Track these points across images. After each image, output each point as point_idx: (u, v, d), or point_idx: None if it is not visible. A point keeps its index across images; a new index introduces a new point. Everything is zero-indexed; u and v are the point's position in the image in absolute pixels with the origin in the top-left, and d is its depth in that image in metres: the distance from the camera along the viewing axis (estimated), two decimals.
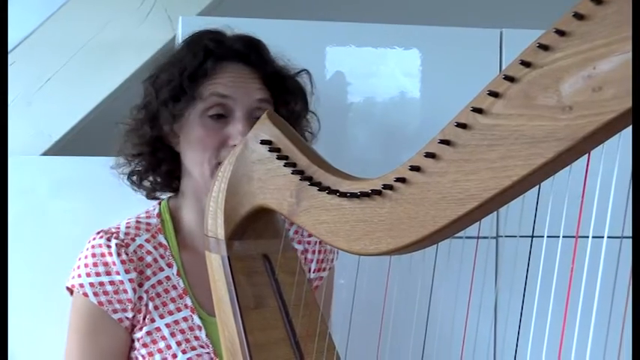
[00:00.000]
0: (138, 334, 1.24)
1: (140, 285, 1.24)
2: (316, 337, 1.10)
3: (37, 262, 1.58)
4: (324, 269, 1.44)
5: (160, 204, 1.36)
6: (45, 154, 1.69)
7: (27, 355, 1.58)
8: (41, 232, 1.59)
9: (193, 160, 1.26)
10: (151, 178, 1.36)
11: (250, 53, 1.29)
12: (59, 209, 1.60)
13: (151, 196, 1.38)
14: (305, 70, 1.38)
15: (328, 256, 1.44)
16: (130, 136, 1.31)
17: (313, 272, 1.41)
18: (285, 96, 1.32)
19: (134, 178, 1.36)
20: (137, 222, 1.31)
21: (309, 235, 1.41)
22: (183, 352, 1.23)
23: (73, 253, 1.28)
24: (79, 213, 1.59)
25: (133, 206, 1.38)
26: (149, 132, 1.29)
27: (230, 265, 1.09)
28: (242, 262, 1.11)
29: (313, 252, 1.42)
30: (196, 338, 1.25)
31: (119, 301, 1.22)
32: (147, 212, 1.35)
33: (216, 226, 1.10)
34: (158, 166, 1.33)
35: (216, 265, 1.11)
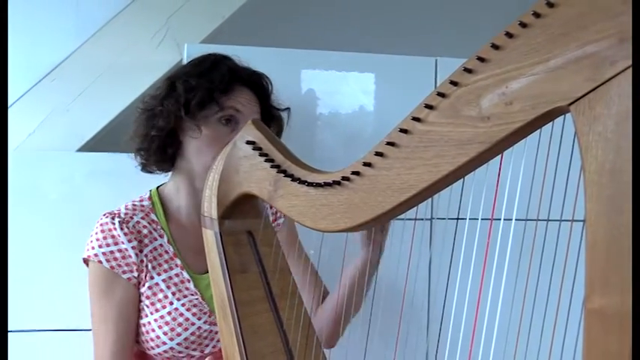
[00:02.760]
0: (142, 290, 1.25)
1: (140, 251, 1.25)
2: (288, 295, 1.09)
3: (72, 237, 1.54)
4: (280, 217, 1.44)
5: (150, 191, 1.36)
6: (79, 150, 1.66)
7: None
8: (77, 212, 1.56)
9: (200, 150, 1.26)
10: (152, 157, 1.31)
11: (260, 88, 1.34)
12: (90, 193, 1.58)
13: (144, 169, 1.35)
14: (288, 108, 1.41)
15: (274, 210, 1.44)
16: (158, 116, 1.27)
17: (273, 222, 1.39)
18: (270, 124, 1.36)
19: (142, 153, 1.32)
20: (133, 205, 1.31)
21: None
22: (178, 299, 1.24)
23: None
24: (106, 197, 1.57)
25: (146, 189, 1.36)
26: (173, 120, 1.26)
27: (221, 238, 1.08)
28: (231, 236, 1.10)
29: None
30: (187, 288, 1.26)
31: (126, 264, 1.23)
32: (140, 198, 1.34)
33: (210, 208, 1.08)
34: (165, 147, 1.29)
35: (210, 238, 1.10)
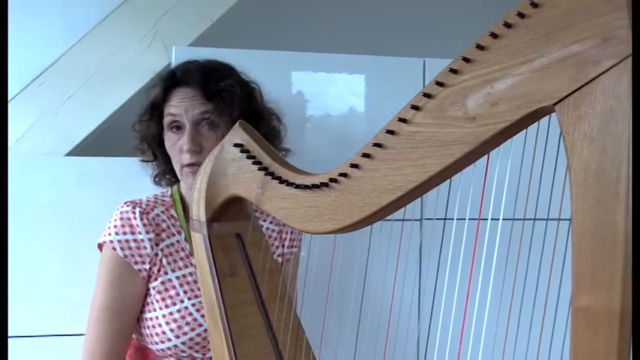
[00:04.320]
0: (153, 284, 1.24)
1: (157, 244, 1.25)
2: (277, 298, 1.09)
3: (63, 241, 1.54)
4: (295, 246, 1.44)
5: (172, 188, 1.37)
6: (68, 154, 1.66)
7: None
8: (67, 217, 1.56)
9: (173, 162, 1.29)
10: (167, 176, 1.37)
11: (186, 78, 1.26)
12: (80, 198, 1.57)
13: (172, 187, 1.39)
14: (233, 79, 1.28)
15: (298, 236, 1.45)
16: (139, 150, 1.36)
17: (287, 248, 1.41)
18: (224, 106, 1.25)
19: (156, 179, 1.38)
20: (155, 198, 1.32)
21: None
22: (189, 298, 1.23)
23: (92, 232, 1.27)
24: (97, 201, 1.56)
25: (137, 195, 1.35)
26: (147, 146, 1.34)
27: (210, 241, 1.08)
28: (219, 239, 1.09)
29: (286, 232, 1.41)
30: (199, 289, 1.24)
31: (140, 255, 1.23)
32: (162, 193, 1.35)
33: (199, 211, 1.08)
34: (166, 167, 1.35)
35: (199, 241, 1.10)
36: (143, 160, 1.37)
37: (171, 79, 1.28)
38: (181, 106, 1.24)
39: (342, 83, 1.68)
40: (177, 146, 1.25)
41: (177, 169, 1.27)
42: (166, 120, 1.26)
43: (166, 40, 1.69)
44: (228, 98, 1.25)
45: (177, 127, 1.25)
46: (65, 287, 1.53)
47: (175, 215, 1.30)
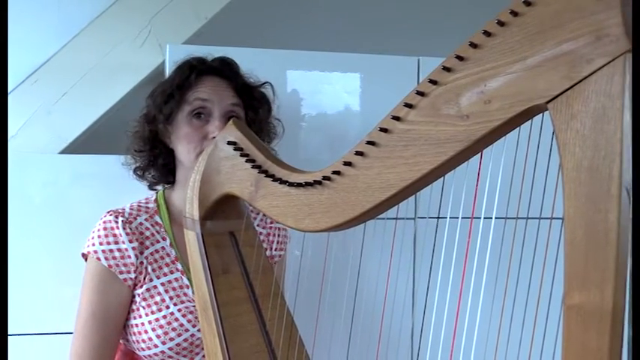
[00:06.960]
0: (139, 291, 1.23)
1: (141, 252, 1.24)
2: (271, 295, 1.09)
3: (57, 239, 1.54)
4: (282, 249, 1.44)
5: (157, 193, 1.35)
6: (61, 152, 1.65)
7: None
8: (61, 214, 1.55)
9: (183, 151, 1.26)
10: (151, 173, 1.35)
11: (225, 69, 1.30)
12: (74, 196, 1.56)
13: (152, 187, 1.38)
14: (268, 82, 1.38)
15: (284, 239, 1.45)
16: (135, 136, 1.32)
17: (275, 250, 1.41)
18: (253, 102, 1.32)
19: (138, 172, 1.35)
20: (139, 205, 1.31)
21: (272, 222, 1.41)
22: (175, 304, 1.22)
23: (86, 230, 1.27)
24: (91, 199, 1.56)
25: (131, 193, 1.35)
26: (148, 131, 1.29)
27: (203, 239, 1.08)
28: (212, 237, 1.09)
29: (274, 235, 1.41)
30: (185, 294, 1.24)
31: (124, 265, 1.22)
32: (146, 199, 1.34)
33: (192, 209, 1.08)
34: (156, 160, 1.32)
35: (192, 239, 1.09)
36: (137, 150, 1.33)
37: (204, 65, 1.29)
38: (215, 93, 1.25)
39: (336, 82, 1.67)
40: (200, 132, 1.23)
41: (190, 157, 1.24)
42: (193, 104, 1.25)
43: (160, 38, 1.68)
44: (259, 97, 1.32)
45: (200, 113, 1.24)
46: (59, 285, 1.52)
47: (160, 222, 1.29)
